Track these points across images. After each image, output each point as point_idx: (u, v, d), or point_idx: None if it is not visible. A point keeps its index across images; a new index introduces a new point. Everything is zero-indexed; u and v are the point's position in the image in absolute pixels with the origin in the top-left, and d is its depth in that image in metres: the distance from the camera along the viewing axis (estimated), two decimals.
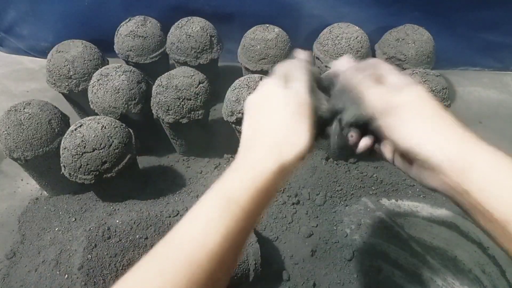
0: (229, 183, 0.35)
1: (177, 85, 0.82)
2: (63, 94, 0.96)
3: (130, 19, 1.03)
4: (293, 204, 0.82)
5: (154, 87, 0.85)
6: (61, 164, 0.75)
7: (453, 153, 0.31)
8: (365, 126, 0.37)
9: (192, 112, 0.84)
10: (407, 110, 0.34)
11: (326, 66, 0.99)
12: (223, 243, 0.31)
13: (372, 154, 0.40)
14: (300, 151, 0.35)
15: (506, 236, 0.28)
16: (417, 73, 0.85)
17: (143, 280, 0.29)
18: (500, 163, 0.30)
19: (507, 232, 0.28)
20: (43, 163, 0.79)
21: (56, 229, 0.78)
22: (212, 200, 0.34)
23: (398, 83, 0.36)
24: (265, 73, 0.97)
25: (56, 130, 0.78)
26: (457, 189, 0.31)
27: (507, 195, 0.28)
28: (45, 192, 0.89)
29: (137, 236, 0.75)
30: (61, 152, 0.74)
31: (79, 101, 0.98)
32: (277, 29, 0.98)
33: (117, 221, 0.77)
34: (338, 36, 0.98)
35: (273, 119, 0.37)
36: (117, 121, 0.78)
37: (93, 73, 0.89)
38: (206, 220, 0.32)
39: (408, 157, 0.35)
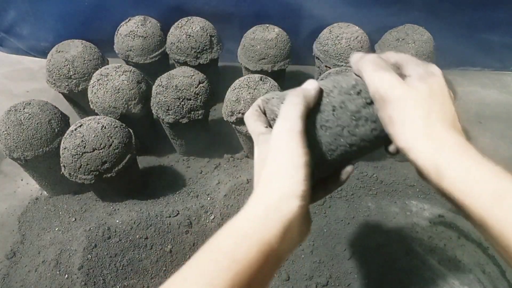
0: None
1: (177, 85, 0.82)
2: (63, 94, 0.96)
3: (130, 19, 1.04)
4: None
5: (154, 87, 0.85)
6: (61, 164, 0.75)
7: (430, 162, 0.31)
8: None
9: (192, 112, 0.84)
10: (405, 107, 0.33)
11: (326, 66, 0.99)
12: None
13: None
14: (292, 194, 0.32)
15: (487, 234, 0.30)
16: None
17: None
18: (472, 172, 0.30)
19: (486, 232, 0.30)
20: (43, 163, 0.79)
21: (56, 229, 0.78)
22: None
23: (414, 73, 0.35)
24: (265, 73, 0.97)
25: (56, 130, 0.78)
26: (440, 193, 0.32)
27: (476, 202, 0.29)
28: (45, 192, 0.89)
29: (137, 236, 0.75)
30: (61, 152, 0.74)
31: (79, 101, 0.98)
32: (277, 29, 0.98)
33: (117, 221, 0.77)
34: (338, 36, 0.98)
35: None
36: (117, 121, 0.78)
37: (93, 73, 0.89)
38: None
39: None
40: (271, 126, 0.39)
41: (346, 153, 0.36)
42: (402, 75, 0.36)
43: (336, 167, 0.38)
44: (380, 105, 0.34)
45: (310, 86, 0.37)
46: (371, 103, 0.35)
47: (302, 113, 0.34)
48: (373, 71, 0.35)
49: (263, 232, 0.31)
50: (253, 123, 0.38)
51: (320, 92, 0.37)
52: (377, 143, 0.37)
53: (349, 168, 0.37)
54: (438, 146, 0.32)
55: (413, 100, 0.33)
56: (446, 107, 0.34)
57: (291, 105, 0.35)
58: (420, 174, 0.34)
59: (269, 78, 0.83)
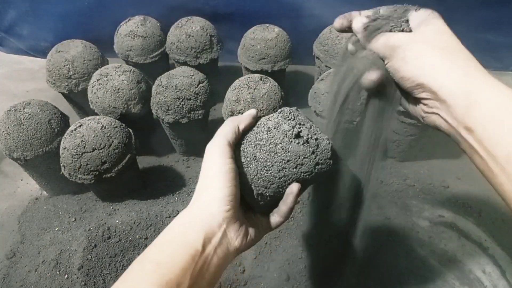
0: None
1: (177, 85, 0.82)
2: (63, 94, 0.96)
3: (130, 19, 1.03)
4: None
5: (154, 87, 0.85)
6: (61, 164, 0.75)
7: (460, 88, 0.30)
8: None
9: (192, 112, 0.84)
10: (419, 44, 0.32)
11: (326, 66, 0.99)
12: None
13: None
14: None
15: (506, 176, 0.27)
16: None
17: None
18: (505, 100, 0.29)
19: (508, 173, 0.27)
20: (43, 163, 0.79)
21: (56, 229, 0.78)
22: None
23: (416, 20, 0.35)
24: (265, 73, 0.97)
25: (56, 130, 0.78)
26: (459, 126, 0.30)
27: (508, 134, 0.27)
28: (45, 192, 0.89)
29: (137, 236, 0.75)
30: (61, 152, 0.74)
31: (79, 101, 0.98)
32: (277, 29, 0.98)
33: (117, 221, 0.77)
34: (338, 36, 0.98)
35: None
36: (117, 121, 0.78)
37: (93, 73, 0.89)
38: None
39: (413, 96, 0.34)
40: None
41: (283, 168, 0.37)
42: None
43: (279, 187, 0.38)
44: (391, 54, 0.34)
45: (246, 113, 0.40)
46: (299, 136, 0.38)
47: (229, 132, 0.37)
48: (378, 37, 0.36)
49: (185, 236, 0.33)
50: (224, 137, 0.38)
51: (257, 117, 0.40)
52: (314, 162, 0.38)
53: (293, 187, 0.37)
54: (467, 72, 0.30)
55: (423, 39, 0.33)
56: (457, 42, 0.33)
57: (222, 126, 0.38)
58: (430, 114, 0.32)
59: (269, 78, 0.83)
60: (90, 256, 0.71)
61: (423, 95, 0.33)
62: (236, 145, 0.38)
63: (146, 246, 0.73)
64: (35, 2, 1.16)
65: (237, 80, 0.84)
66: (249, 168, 0.38)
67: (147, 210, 0.79)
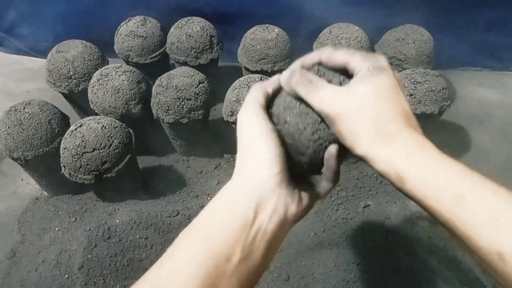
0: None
1: (177, 85, 0.82)
2: (63, 94, 0.96)
3: (130, 19, 1.03)
4: None
5: (154, 87, 0.85)
6: (61, 164, 0.75)
7: (389, 167, 0.30)
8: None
9: (192, 112, 0.84)
10: (351, 117, 0.31)
11: None
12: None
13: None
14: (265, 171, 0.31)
15: (455, 236, 0.29)
16: (417, 73, 0.85)
17: None
18: (427, 175, 0.29)
19: (454, 234, 0.29)
20: (43, 163, 0.79)
21: (56, 229, 0.78)
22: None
23: (359, 73, 0.33)
24: (265, 73, 0.97)
25: (56, 130, 0.78)
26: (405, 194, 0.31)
27: (438, 200, 0.28)
28: (45, 192, 0.89)
29: (137, 236, 0.75)
30: (61, 152, 0.74)
31: (79, 101, 0.98)
32: (277, 29, 0.98)
33: (117, 221, 0.77)
34: (338, 36, 0.98)
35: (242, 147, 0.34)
36: (117, 121, 0.78)
37: (93, 73, 0.89)
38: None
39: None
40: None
41: (317, 130, 0.34)
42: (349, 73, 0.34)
43: (316, 152, 0.35)
44: (329, 122, 0.33)
45: (273, 77, 0.38)
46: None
47: (260, 96, 0.35)
48: (308, 93, 0.33)
49: (234, 205, 0.30)
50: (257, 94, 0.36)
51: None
52: None
53: (331, 149, 0.34)
54: (394, 149, 0.30)
55: (357, 108, 0.31)
56: (396, 104, 0.32)
57: (251, 93, 0.36)
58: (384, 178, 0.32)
59: (269, 78, 0.83)
60: (90, 256, 0.71)
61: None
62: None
63: (146, 246, 0.73)
64: (35, 2, 1.16)
65: (237, 80, 0.84)
66: (281, 135, 0.35)
67: (147, 210, 0.79)
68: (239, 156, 0.34)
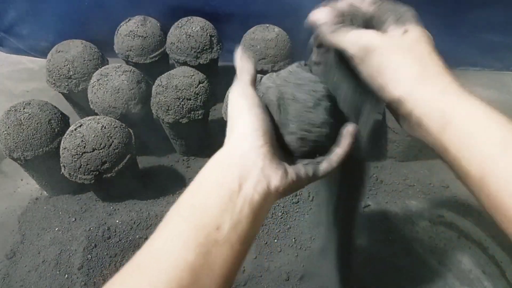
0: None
1: (177, 85, 0.82)
2: (63, 94, 0.96)
3: (130, 19, 1.03)
4: (292, 203, 0.82)
5: (154, 87, 0.85)
6: (61, 164, 0.75)
7: (435, 107, 0.28)
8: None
9: (192, 112, 0.84)
10: (395, 51, 0.30)
11: None
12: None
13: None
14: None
15: (484, 193, 0.26)
16: None
17: None
18: (479, 118, 0.27)
19: (484, 189, 0.26)
20: (43, 163, 0.79)
21: (56, 229, 0.78)
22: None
23: (392, 23, 0.32)
24: (265, 73, 0.97)
25: (56, 130, 0.78)
26: (436, 145, 0.29)
27: (480, 150, 0.26)
28: (45, 192, 0.89)
29: (137, 236, 0.75)
30: (61, 152, 0.74)
31: (79, 101, 0.98)
32: (277, 29, 0.98)
33: (117, 221, 0.77)
34: None
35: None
36: (117, 121, 0.78)
37: (93, 73, 0.89)
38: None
39: (391, 108, 0.32)
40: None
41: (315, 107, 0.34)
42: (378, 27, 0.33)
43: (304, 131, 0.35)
44: (362, 57, 0.31)
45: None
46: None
47: (251, 72, 0.36)
48: (346, 32, 0.32)
49: (219, 178, 0.31)
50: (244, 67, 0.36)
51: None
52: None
53: (349, 127, 0.34)
54: (442, 89, 0.29)
55: (399, 45, 0.30)
56: (434, 52, 0.31)
57: (241, 71, 0.36)
58: (413, 128, 0.30)
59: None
60: (90, 256, 0.71)
61: (399, 110, 0.31)
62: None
63: None
64: (35, 2, 1.15)
65: None
66: (286, 111, 0.34)
67: (147, 210, 0.79)
68: (228, 126, 0.34)
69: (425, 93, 0.29)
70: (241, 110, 0.33)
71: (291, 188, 0.33)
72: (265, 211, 0.31)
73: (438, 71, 0.30)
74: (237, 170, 0.30)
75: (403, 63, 0.30)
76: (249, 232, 0.30)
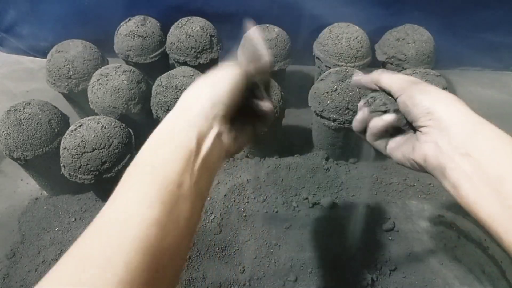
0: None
1: (177, 85, 0.82)
2: (63, 94, 0.96)
3: (130, 19, 1.04)
4: (293, 204, 0.82)
5: (154, 87, 0.85)
6: (61, 164, 0.75)
7: (467, 120, 0.34)
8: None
9: None
10: (431, 87, 0.38)
11: (326, 66, 0.99)
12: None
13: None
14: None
15: (498, 201, 0.30)
16: (417, 73, 0.85)
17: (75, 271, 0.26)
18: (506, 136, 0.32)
19: (502, 192, 0.30)
20: (43, 163, 0.79)
21: (56, 229, 0.78)
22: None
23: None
24: None
25: (56, 130, 0.78)
26: (455, 153, 0.33)
27: (503, 157, 0.31)
28: (45, 192, 0.89)
29: None
30: (61, 152, 0.74)
31: (79, 101, 0.98)
32: (277, 29, 0.98)
33: None
34: (338, 36, 0.98)
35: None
36: (117, 121, 0.78)
37: (93, 73, 0.89)
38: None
39: (415, 125, 0.38)
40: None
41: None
42: None
43: None
44: (406, 88, 0.39)
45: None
46: None
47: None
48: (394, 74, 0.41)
49: (177, 135, 0.33)
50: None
51: None
52: None
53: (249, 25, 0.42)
54: (474, 113, 0.35)
55: (429, 85, 0.39)
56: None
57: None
58: (446, 187, 0.35)
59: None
60: None
61: (428, 122, 0.37)
62: None
63: None
64: (35, 2, 1.16)
65: None
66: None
67: None
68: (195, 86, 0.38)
69: (460, 110, 0.37)
70: (214, 78, 0.38)
71: (238, 149, 0.39)
72: (218, 168, 0.36)
73: (466, 109, 0.38)
74: (195, 130, 0.33)
75: (442, 92, 0.40)
76: (205, 187, 0.33)
